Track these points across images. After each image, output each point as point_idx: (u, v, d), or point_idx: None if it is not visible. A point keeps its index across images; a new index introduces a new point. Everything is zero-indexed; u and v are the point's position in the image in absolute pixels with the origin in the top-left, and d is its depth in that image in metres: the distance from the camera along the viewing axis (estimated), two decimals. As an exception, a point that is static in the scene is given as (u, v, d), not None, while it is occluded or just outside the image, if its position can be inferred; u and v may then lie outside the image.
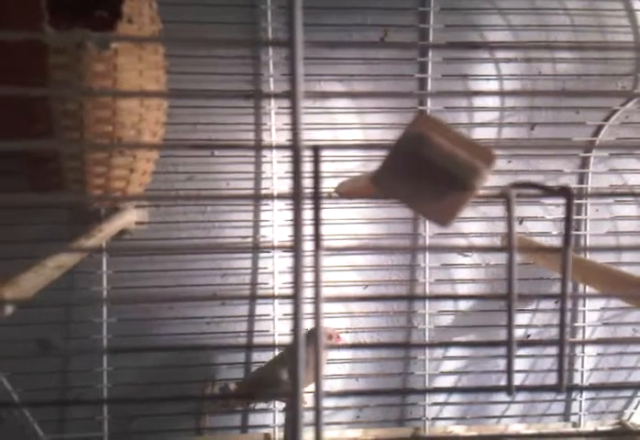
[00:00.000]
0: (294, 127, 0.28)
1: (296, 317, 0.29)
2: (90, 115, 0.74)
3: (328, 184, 0.82)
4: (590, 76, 1.00)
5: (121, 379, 0.96)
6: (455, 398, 1.06)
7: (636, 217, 1.05)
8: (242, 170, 0.97)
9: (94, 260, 0.94)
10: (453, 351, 1.05)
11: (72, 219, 0.91)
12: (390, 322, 1.03)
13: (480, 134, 1.01)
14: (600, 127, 1.02)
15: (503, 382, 1.00)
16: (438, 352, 1.05)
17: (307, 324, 0.29)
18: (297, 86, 0.28)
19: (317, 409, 0.30)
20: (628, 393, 1.09)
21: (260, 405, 1.01)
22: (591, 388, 1.08)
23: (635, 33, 1.01)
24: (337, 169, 0.94)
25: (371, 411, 1.05)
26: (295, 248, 0.28)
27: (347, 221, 0.98)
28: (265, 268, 0.99)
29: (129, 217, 0.89)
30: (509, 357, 0.32)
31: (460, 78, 0.99)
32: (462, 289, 1.04)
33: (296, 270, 0.29)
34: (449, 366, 1.06)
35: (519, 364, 1.05)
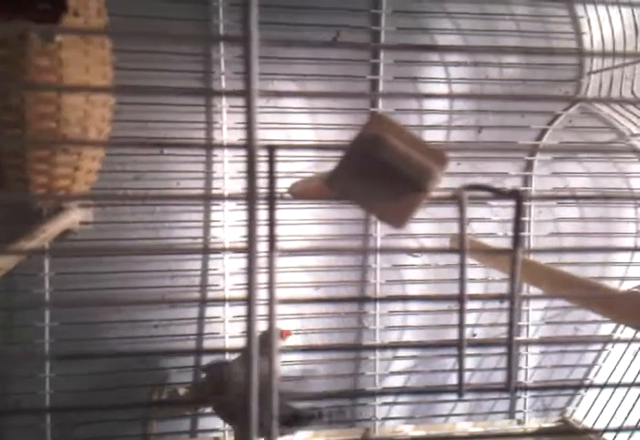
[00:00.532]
0: (249, 126, 0.28)
1: (250, 319, 0.29)
2: (32, 110, 0.71)
3: (281, 185, 0.81)
4: (535, 81, 1.03)
5: (64, 386, 0.93)
6: (404, 398, 1.07)
7: (577, 219, 1.08)
8: (192, 169, 0.95)
9: (36, 262, 0.91)
10: (403, 351, 1.06)
11: (12, 219, 0.87)
12: (341, 322, 1.03)
13: (429, 136, 1.02)
14: (544, 131, 1.05)
15: (451, 381, 1.03)
16: (388, 352, 1.06)
17: (261, 326, 0.29)
18: (252, 84, 0.28)
19: (271, 414, 0.30)
20: (570, 391, 1.13)
21: (210, 409, 1.00)
22: (538, 387, 1.10)
23: (578, 39, 1.04)
24: (290, 169, 0.93)
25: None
26: (249, 250, 0.28)
27: (299, 222, 0.98)
28: (215, 269, 0.97)
29: (73, 217, 0.86)
30: (460, 358, 0.33)
31: (411, 80, 1.01)
32: (412, 289, 1.05)
33: (250, 272, 0.28)
34: (399, 366, 1.07)
35: (466, 363, 1.07)
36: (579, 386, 1.16)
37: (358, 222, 1.01)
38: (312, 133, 0.98)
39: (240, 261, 0.96)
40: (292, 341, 1.02)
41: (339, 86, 0.98)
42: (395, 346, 1.07)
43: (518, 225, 0.33)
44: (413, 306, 1.04)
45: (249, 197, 0.28)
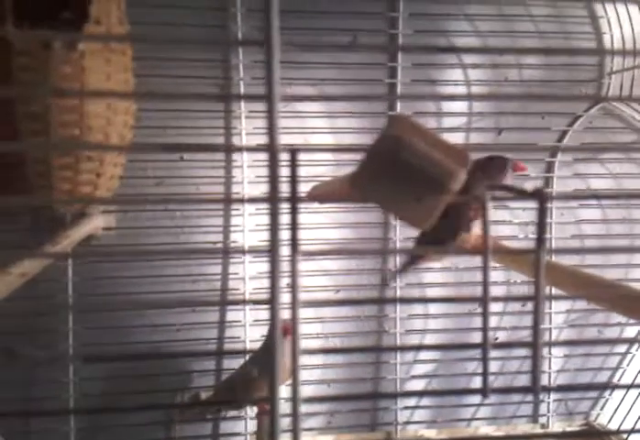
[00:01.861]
0: (271, 130, 0.28)
1: (273, 323, 0.29)
2: (56, 118, 0.73)
3: (302, 188, 0.82)
4: (555, 82, 1.03)
5: (88, 390, 0.95)
6: (425, 401, 1.08)
7: (600, 220, 1.08)
8: (212, 174, 0.97)
9: (60, 267, 0.93)
10: (423, 355, 1.06)
11: (37, 225, 0.89)
12: (361, 326, 1.04)
13: (448, 139, 1.02)
14: (564, 133, 1.05)
15: (473, 385, 1.03)
16: (409, 356, 1.06)
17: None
18: (273, 88, 0.27)
19: (295, 414, 0.30)
20: (594, 394, 1.12)
21: (232, 413, 1.01)
22: (563, 389, 1.10)
23: (598, 39, 1.04)
24: (308, 173, 0.94)
25: (343, 416, 1.05)
26: (272, 252, 0.28)
27: (318, 225, 0.98)
28: (236, 273, 0.98)
29: (96, 223, 0.88)
30: (484, 360, 0.32)
31: (429, 83, 1.01)
32: (432, 292, 1.05)
33: (273, 275, 0.28)
34: (420, 370, 1.07)
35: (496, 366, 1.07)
36: (605, 386, 1.15)
37: (377, 225, 1.01)
38: (330, 137, 0.99)
39: (260, 266, 0.97)
40: (312, 344, 1.03)
41: (357, 90, 0.98)
42: (418, 347, 1.07)
43: (542, 225, 0.32)
44: (433, 309, 1.04)
45: (272, 200, 0.28)
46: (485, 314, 0.32)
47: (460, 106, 1.03)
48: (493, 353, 0.95)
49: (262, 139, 0.95)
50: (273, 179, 0.28)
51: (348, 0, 0.96)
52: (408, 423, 1.08)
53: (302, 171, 0.85)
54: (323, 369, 1.03)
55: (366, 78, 0.99)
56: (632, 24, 1.00)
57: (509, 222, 1.04)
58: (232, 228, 0.98)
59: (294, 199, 0.29)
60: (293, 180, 0.29)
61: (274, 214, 0.28)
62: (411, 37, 0.99)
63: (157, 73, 0.90)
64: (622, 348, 1.12)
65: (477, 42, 1.01)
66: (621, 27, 1.01)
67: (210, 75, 0.95)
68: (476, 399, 1.08)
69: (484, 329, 0.32)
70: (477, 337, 1.07)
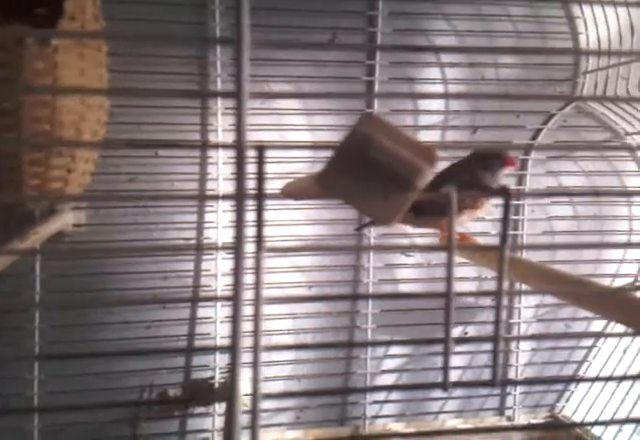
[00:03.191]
0: (239, 127, 0.29)
1: (236, 319, 0.30)
2: (28, 113, 0.75)
3: (275, 185, 0.86)
4: (531, 81, 1.08)
5: (53, 387, 0.97)
6: (394, 396, 1.12)
7: (571, 217, 1.14)
8: (187, 171, 0.99)
9: (28, 264, 0.94)
10: (394, 350, 1.11)
11: (4, 221, 0.91)
12: (333, 322, 1.08)
13: (424, 136, 1.06)
14: (539, 131, 1.10)
15: (442, 379, 1.07)
16: (379, 351, 1.10)
17: (247, 326, 0.30)
18: (243, 85, 0.29)
19: (254, 411, 0.31)
20: (560, 387, 1.18)
21: (200, 410, 1.05)
22: (523, 382, 1.16)
23: (575, 39, 1.09)
24: (284, 170, 0.97)
25: (312, 411, 1.10)
26: (237, 249, 0.29)
27: (292, 222, 1.02)
28: (208, 270, 1.02)
29: (66, 219, 0.90)
30: (446, 354, 0.34)
31: (407, 81, 1.05)
32: (405, 288, 1.10)
33: (237, 271, 0.29)
34: (390, 364, 1.12)
35: (456, 361, 1.12)
36: (568, 379, 1.22)
37: (351, 222, 1.05)
38: (307, 134, 1.02)
39: (232, 262, 1.00)
40: (284, 340, 1.08)
41: (335, 87, 1.02)
42: (379, 343, 1.12)
43: (506, 221, 0.34)
44: (404, 304, 1.08)
45: (238, 197, 0.29)
46: (448, 309, 0.34)
47: (437, 104, 1.06)
48: (461, 347, 1.02)
49: (235, 135, 0.97)
50: (240, 176, 0.29)
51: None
52: (377, 417, 1.12)
53: (277, 169, 0.90)
54: (294, 365, 1.08)
55: (344, 76, 1.02)
56: (608, 24, 1.05)
57: (481, 219, 1.09)
58: (206, 225, 1.01)
59: (261, 196, 0.30)
60: (260, 177, 0.30)
61: (240, 211, 0.29)
62: (390, 35, 1.02)
63: (132, 70, 0.91)
64: (588, 342, 1.19)
65: (455, 41, 1.05)
66: (597, 28, 1.07)
67: (187, 72, 0.97)
68: (444, 392, 1.14)
69: (446, 324, 0.34)
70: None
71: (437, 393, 1.12)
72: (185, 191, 0.98)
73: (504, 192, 0.34)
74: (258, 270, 0.30)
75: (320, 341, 1.08)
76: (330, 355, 1.09)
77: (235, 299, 0.30)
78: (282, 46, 0.81)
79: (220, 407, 1.03)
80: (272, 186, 0.88)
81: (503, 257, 0.34)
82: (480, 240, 1.08)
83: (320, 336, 1.08)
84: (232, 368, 0.31)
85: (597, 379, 1.23)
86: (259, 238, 0.30)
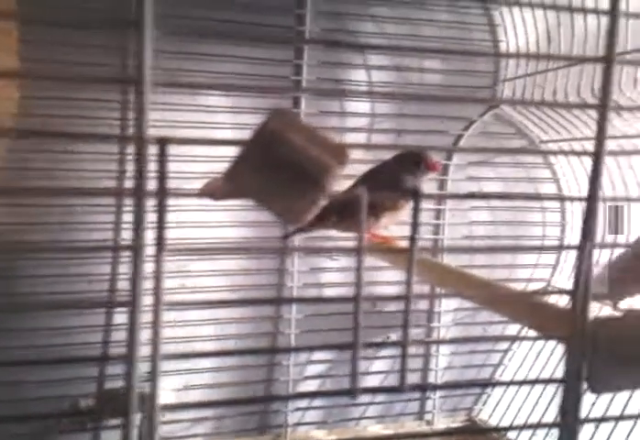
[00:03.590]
0: (140, 118, 0.28)
1: (132, 326, 0.29)
2: None
3: (198, 185, 0.83)
4: (454, 87, 1.10)
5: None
6: (317, 402, 1.12)
7: (488, 223, 1.18)
8: (103, 168, 0.94)
9: None
10: (317, 355, 1.11)
11: None
12: (256, 328, 1.07)
13: (351, 138, 1.07)
14: (460, 137, 1.13)
15: (366, 384, 1.09)
16: (303, 357, 1.10)
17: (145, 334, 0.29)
18: (144, 72, 0.27)
19: (151, 424, 0.31)
20: (477, 390, 1.22)
21: (113, 421, 1.00)
22: (431, 387, 1.17)
23: (495, 47, 1.13)
24: (211, 169, 0.94)
25: (232, 420, 1.08)
26: (135, 251, 0.28)
27: (216, 224, 1.00)
28: (125, 274, 0.97)
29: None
30: (354, 361, 0.34)
31: (334, 82, 1.05)
32: (330, 292, 1.10)
33: (135, 275, 0.29)
34: (313, 370, 1.12)
35: (380, 365, 1.14)
36: (483, 384, 1.25)
37: (277, 225, 1.03)
38: (233, 132, 0.99)
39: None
40: (205, 347, 1.05)
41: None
42: (296, 349, 1.11)
43: (415, 223, 0.34)
44: (329, 309, 1.08)
45: (137, 194, 0.28)
46: (356, 314, 0.34)
47: (364, 107, 1.08)
48: (386, 351, 1.01)
49: (163, 131, 0.94)
50: (141, 171, 0.28)
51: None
52: (298, 424, 1.11)
53: (204, 168, 0.87)
54: (214, 373, 1.05)
55: (272, 74, 1.01)
56: (527, 34, 1.10)
57: (404, 222, 1.11)
58: (124, 226, 0.96)
59: (162, 194, 0.29)
60: (162, 172, 0.29)
61: (139, 209, 0.28)
62: (318, 35, 1.02)
63: (46, 58, 0.86)
64: (504, 345, 1.22)
65: (383, 43, 1.06)
66: (516, 37, 1.11)
67: (107, 62, 0.92)
68: (366, 397, 1.14)
69: (355, 329, 0.34)
70: (373, 336, 1.13)
71: (360, 398, 1.12)
72: (97, 189, 0.93)
73: (414, 194, 0.35)
74: (158, 274, 0.29)
75: (243, 347, 1.06)
76: (252, 362, 1.07)
77: (132, 305, 0.29)
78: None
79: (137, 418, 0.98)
80: (196, 185, 0.85)
81: (412, 259, 0.34)
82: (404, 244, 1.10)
83: (242, 343, 1.06)
84: (128, 379, 0.30)
85: (503, 383, 1.27)
86: (160, 240, 0.29)
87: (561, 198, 1.24)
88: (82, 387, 0.97)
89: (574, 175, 1.16)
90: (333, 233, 1.05)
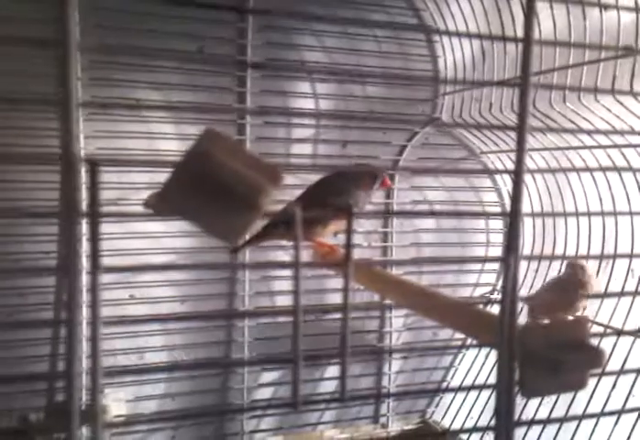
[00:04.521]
0: (67, 137, 0.26)
1: (70, 342, 0.28)
2: None
3: (143, 195, 0.79)
4: (395, 100, 1.08)
5: None
6: (273, 408, 1.08)
7: (434, 230, 1.15)
8: (45, 179, 0.88)
9: None
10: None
11: None
12: (209, 337, 1.02)
13: (297, 149, 1.05)
14: (404, 147, 1.11)
15: (321, 390, 1.04)
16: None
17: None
18: (70, 91, 0.26)
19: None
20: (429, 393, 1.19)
21: (64, 435, 0.93)
22: (369, 396, 1.14)
23: (434, 62, 1.11)
24: (154, 179, 0.90)
25: (187, 430, 1.03)
26: (69, 269, 0.27)
27: (165, 235, 0.95)
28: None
29: None
30: (295, 373, 0.33)
31: (279, 94, 1.02)
32: (282, 300, 1.06)
33: (71, 291, 0.27)
34: (268, 377, 1.07)
35: (333, 371, 1.10)
36: (424, 391, 1.22)
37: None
38: (176, 143, 0.95)
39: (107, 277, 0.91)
40: (157, 358, 1.00)
41: (205, 97, 0.97)
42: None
43: (349, 238, 0.34)
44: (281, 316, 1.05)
45: (66, 214, 0.27)
46: (296, 325, 0.33)
47: (309, 119, 1.05)
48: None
49: (105, 143, 0.90)
50: (68, 190, 0.27)
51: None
52: (255, 431, 1.07)
53: (147, 178, 0.81)
54: (167, 383, 1.00)
55: (215, 85, 0.97)
56: (463, 50, 1.08)
57: (354, 230, 1.08)
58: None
59: (95, 214, 0.28)
60: (93, 191, 0.28)
61: (70, 228, 0.27)
62: (260, 48, 0.99)
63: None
64: (454, 349, 1.21)
65: (324, 57, 1.03)
66: (453, 53, 1.09)
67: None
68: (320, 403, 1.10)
69: (295, 339, 0.33)
70: (331, 342, 1.08)
71: (314, 404, 1.08)
72: (42, 201, 0.87)
73: (347, 211, 0.33)
74: (94, 289, 0.28)
75: (195, 357, 1.01)
76: (206, 371, 1.02)
77: (70, 321, 0.28)
78: (155, 53, 0.75)
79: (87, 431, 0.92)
80: (142, 196, 0.81)
81: (348, 272, 0.33)
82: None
83: (194, 352, 1.01)
84: (68, 393, 0.28)
85: (451, 389, 1.24)
86: (95, 256, 0.28)
87: (486, 214, 1.23)
88: (31, 400, 0.91)
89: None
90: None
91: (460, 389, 1.12)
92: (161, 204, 0.31)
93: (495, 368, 0.36)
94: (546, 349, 0.37)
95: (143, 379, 0.97)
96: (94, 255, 0.27)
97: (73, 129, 0.26)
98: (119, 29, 0.86)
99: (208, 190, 0.29)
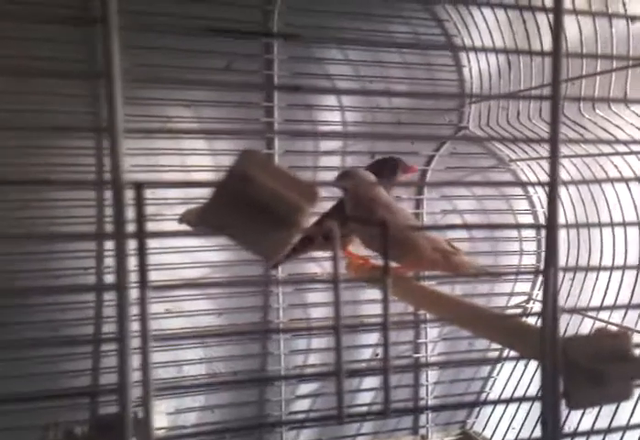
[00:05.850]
0: (115, 164, 0.27)
1: (123, 356, 0.27)
2: None
3: (179, 210, 0.76)
4: (422, 110, 1.04)
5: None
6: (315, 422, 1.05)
7: (466, 239, 1.09)
8: (82, 214, 0.87)
9: None
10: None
11: None
12: (245, 349, 0.98)
13: (325, 161, 1.01)
14: (432, 157, 1.06)
15: (358, 401, 0.98)
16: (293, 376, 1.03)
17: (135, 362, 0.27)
18: (116, 121, 0.27)
19: None
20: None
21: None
22: (420, 409, 1.09)
23: (459, 71, 1.07)
24: (187, 195, 0.87)
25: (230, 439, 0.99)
26: (119, 286, 0.27)
27: (197, 248, 0.92)
28: (111, 300, 0.89)
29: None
30: (339, 387, 0.31)
31: (306, 108, 0.99)
32: (315, 312, 1.02)
33: (121, 309, 0.27)
34: (305, 389, 1.03)
35: (373, 381, 1.04)
36: (465, 404, 1.16)
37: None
38: (208, 159, 0.93)
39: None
40: (195, 370, 0.96)
41: (234, 112, 0.94)
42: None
43: (386, 252, 0.32)
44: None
45: (117, 236, 0.27)
46: (338, 340, 0.31)
47: (337, 130, 1.02)
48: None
49: (136, 161, 0.87)
50: (118, 214, 0.27)
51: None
52: (294, 443, 1.03)
53: (181, 194, 0.77)
54: (206, 395, 0.96)
55: (243, 101, 0.94)
56: (487, 58, 1.04)
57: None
58: (106, 253, 0.88)
59: (142, 235, 0.28)
60: (140, 214, 0.28)
61: (120, 249, 0.27)
62: (286, 62, 0.96)
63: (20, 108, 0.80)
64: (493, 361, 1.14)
65: (349, 70, 1.00)
66: (478, 62, 1.05)
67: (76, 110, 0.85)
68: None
69: (337, 354, 0.31)
70: (364, 354, 1.05)
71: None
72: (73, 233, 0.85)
73: (383, 225, 0.33)
74: (143, 307, 0.28)
75: (232, 369, 0.97)
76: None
77: (121, 338, 0.27)
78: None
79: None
80: (175, 211, 0.77)
81: (386, 287, 0.33)
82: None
83: (232, 364, 0.98)
84: (121, 406, 0.28)
85: (490, 402, 1.17)
86: (143, 277, 0.28)
87: (520, 226, 1.17)
88: (75, 413, 0.88)
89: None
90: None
91: (501, 400, 1.05)
92: (202, 222, 0.30)
93: (536, 378, 0.32)
94: (589, 361, 0.35)
95: (183, 392, 0.93)
96: (142, 272, 0.27)
97: (120, 156, 0.27)
98: (150, 49, 0.84)
99: (247, 209, 0.29)
